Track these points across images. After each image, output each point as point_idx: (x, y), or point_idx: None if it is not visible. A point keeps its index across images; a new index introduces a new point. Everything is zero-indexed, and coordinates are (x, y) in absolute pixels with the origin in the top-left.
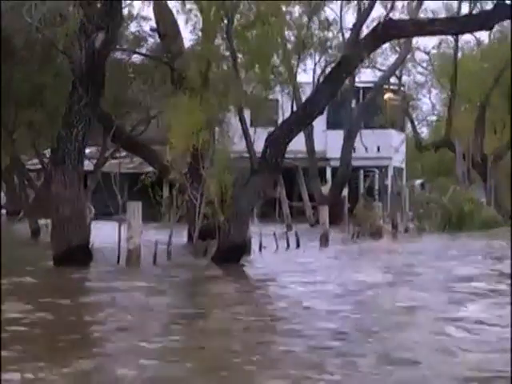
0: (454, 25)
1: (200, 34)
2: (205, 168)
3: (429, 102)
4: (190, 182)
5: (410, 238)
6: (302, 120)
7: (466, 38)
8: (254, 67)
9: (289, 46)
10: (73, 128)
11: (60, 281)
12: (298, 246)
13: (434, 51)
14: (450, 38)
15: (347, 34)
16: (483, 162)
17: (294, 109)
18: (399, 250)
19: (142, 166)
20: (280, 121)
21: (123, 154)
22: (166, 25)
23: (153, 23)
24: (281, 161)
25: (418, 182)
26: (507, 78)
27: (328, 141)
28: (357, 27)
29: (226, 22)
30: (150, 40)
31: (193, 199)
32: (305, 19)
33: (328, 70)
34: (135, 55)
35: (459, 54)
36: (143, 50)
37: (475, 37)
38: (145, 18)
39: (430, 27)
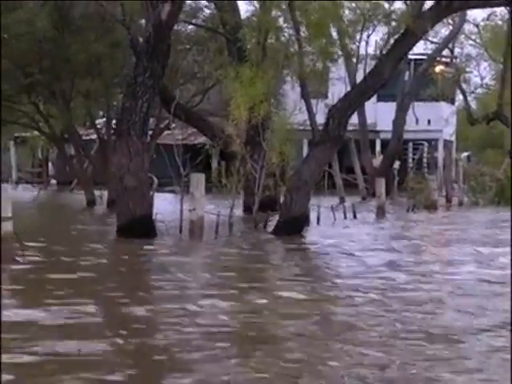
0: None
1: (257, 5)
2: (265, 140)
3: (478, 75)
4: (250, 153)
5: (465, 211)
6: (364, 92)
7: None
8: (316, 39)
9: (352, 17)
10: (137, 99)
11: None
12: (354, 217)
13: (482, 23)
14: (499, 10)
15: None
16: None
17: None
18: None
19: (191, 136)
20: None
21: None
22: None
23: None
24: (343, 133)
25: (465, 154)
26: None
27: (378, 113)
28: None
29: None
30: (206, 11)
31: (253, 171)
32: None
33: (391, 41)
34: (190, 26)
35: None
36: (199, 21)
37: None
38: None
39: None
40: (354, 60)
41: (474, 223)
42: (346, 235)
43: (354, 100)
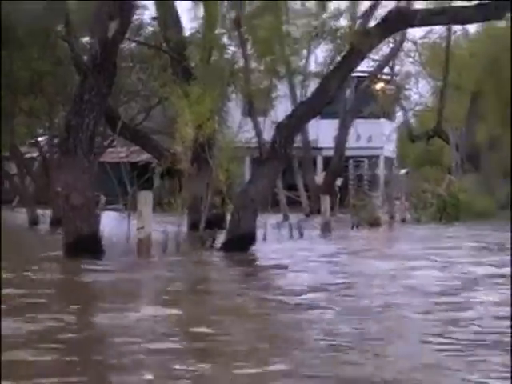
0: (464, 15)
1: (201, 22)
2: (212, 157)
3: (417, 93)
4: (196, 171)
5: (408, 228)
6: (311, 109)
7: (453, 28)
8: (262, 56)
9: (298, 35)
10: (84, 117)
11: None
12: (300, 234)
13: (420, 41)
14: (438, 28)
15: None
16: (475, 152)
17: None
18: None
19: (134, 154)
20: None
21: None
22: (167, 13)
23: (151, 12)
24: (290, 151)
25: (403, 171)
26: (499, 68)
27: (320, 130)
28: (366, 16)
29: (235, 11)
30: (149, 28)
31: (199, 189)
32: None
33: (338, 59)
34: (133, 43)
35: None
36: (142, 39)
37: (464, 27)
38: (143, 7)
39: (441, 17)
40: (299, 77)
41: (412, 239)
42: (292, 252)
43: (301, 117)
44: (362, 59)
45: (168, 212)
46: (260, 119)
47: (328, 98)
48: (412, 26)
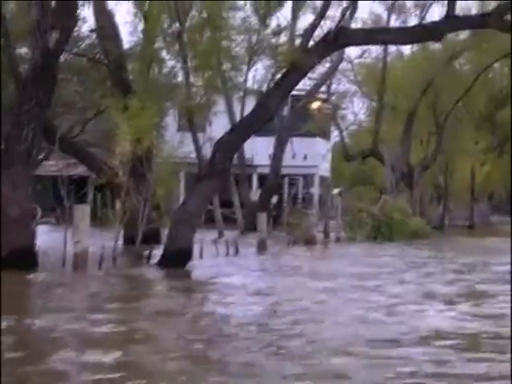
0: (406, 35)
1: (140, 35)
2: (150, 172)
3: (352, 112)
4: (134, 185)
5: (341, 246)
6: (251, 126)
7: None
8: (203, 71)
9: (238, 50)
10: (22, 128)
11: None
12: (236, 251)
13: (356, 61)
14: (373, 48)
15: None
16: (409, 173)
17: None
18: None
19: (68, 167)
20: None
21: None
22: (106, 26)
23: (89, 24)
24: (229, 166)
25: (336, 190)
26: (433, 90)
27: (255, 148)
28: (308, 34)
29: (177, 24)
30: (87, 41)
31: (136, 203)
32: (256, 24)
33: (279, 76)
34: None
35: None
36: (80, 51)
37: (398, 48)
38: (83, 19)
39: (382, 36)
40: (239, 93)
41: (343, 257)
42: (228, 269)
43: (241, 133)
44: (303, 77)
45: (103, 226)
46: (198, 135)
47: (268, 114)
48: (353, 44)
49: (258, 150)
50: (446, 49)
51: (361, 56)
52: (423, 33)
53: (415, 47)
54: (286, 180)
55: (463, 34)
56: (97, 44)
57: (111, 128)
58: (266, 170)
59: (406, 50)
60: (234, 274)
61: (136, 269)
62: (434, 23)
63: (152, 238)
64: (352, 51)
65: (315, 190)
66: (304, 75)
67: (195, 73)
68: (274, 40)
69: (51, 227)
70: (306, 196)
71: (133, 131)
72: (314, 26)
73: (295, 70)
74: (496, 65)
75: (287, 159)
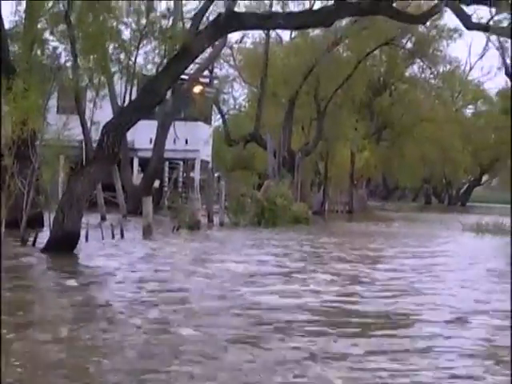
0: (296, 20)
1: (23, 16)
2: (35, 154)
3: (232, 97)
4: (18, 168)
5: (225, 231)
6: (140, 109)
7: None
8: (91, 53)
9: (128, 33)
10: None
11: None
12: (122, 235)
13: (236, 46)
14: (252, 33)
15: (188, 24)
16: (291, 158)
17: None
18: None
19: None
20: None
21: None
22: None
23: None
24: (118, 150)
25: (215, 175)
26: (314, 76)
27: (136, 131)
28: (198, 17)
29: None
30: None
31: (21, 187)
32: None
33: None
34: None
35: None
36: None
37: (278, 34)
38: None
39: (273, 21)
40: (125, 76)
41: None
42: (117, 254)
43: (130, 117)
44: (193, 60)
45: None
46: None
47: (158, 98)
48: (245, 28)
49: (139, 133)
50: (326, 35)
51: (240, 41)
52: (314, 18)
53: (294, 33)
54: (167, 164)
55: (344, 21)
56: None
57: None
58: (147, 154)
59: (286, 35)
60: (119, 260)
61: (19, 253)
62: (324, 8)
63: (36, 222)
64: (232, 36)
65: (196, 175)
66: (194, 59)
67: (82, 54)
68: (163, 23)
69: None
70: (186, 180)
71: (17, 113)
72: (203, 10)
73: (185, 53)
74: (375, 52)
75: (168, 143)
